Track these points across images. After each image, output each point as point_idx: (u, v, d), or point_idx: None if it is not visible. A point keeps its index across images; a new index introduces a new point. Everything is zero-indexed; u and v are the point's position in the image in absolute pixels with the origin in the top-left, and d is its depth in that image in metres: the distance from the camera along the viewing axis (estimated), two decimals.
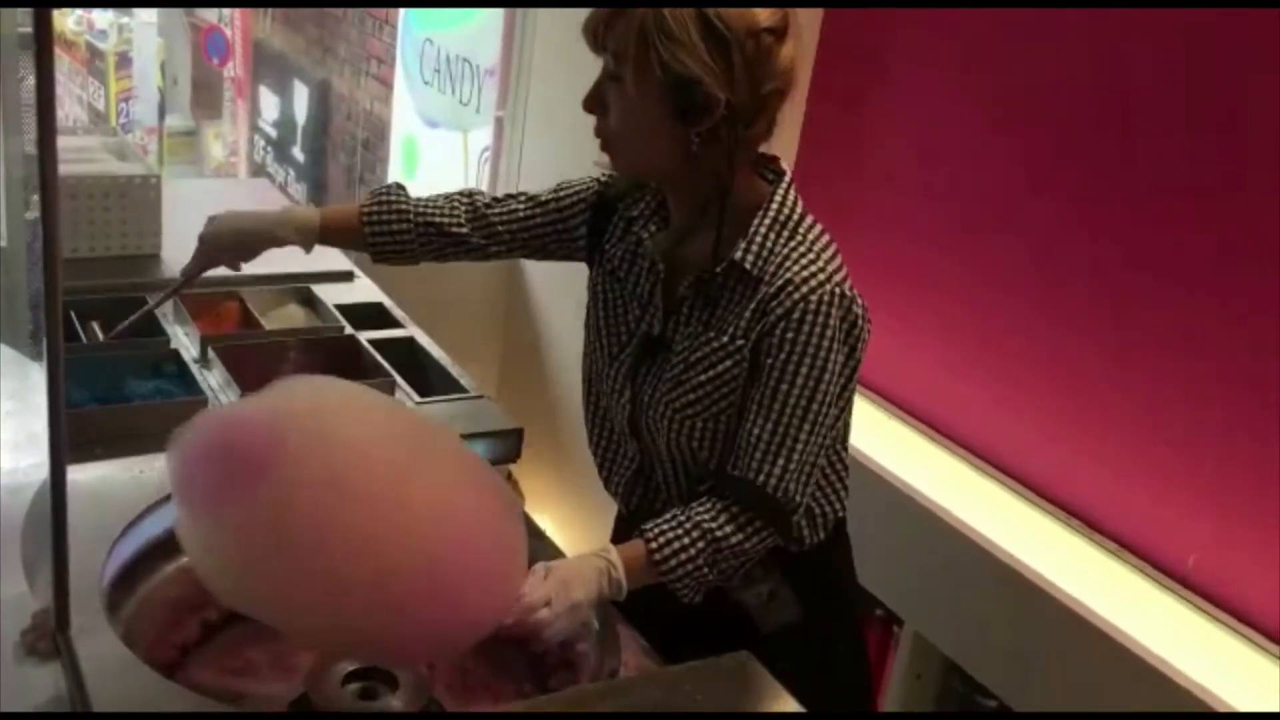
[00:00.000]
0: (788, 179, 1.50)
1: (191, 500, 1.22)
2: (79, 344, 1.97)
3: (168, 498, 1.60)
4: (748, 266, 1.45)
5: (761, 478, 1.44)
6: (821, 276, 1.43)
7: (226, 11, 5.37)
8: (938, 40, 2.38)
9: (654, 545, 1.44)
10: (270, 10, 5.29)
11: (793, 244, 1.46)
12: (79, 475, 1.57)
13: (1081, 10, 2.08)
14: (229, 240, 1.75)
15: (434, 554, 1.21)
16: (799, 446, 1.44)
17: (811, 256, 1.45)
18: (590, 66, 1.47)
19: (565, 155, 3.26)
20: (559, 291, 3.35)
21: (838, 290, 1.43)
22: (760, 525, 1.46)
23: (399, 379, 2.00)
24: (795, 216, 1.48)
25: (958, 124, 2.34)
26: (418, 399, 1.98)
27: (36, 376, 1.81)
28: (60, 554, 1.24)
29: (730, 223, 1.46)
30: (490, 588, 1.29)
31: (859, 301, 1.46)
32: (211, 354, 1.97)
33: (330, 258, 2.54)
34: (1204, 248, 1.94)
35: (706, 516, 1.46)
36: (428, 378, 2.09)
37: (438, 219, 1.69)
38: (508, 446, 1.93)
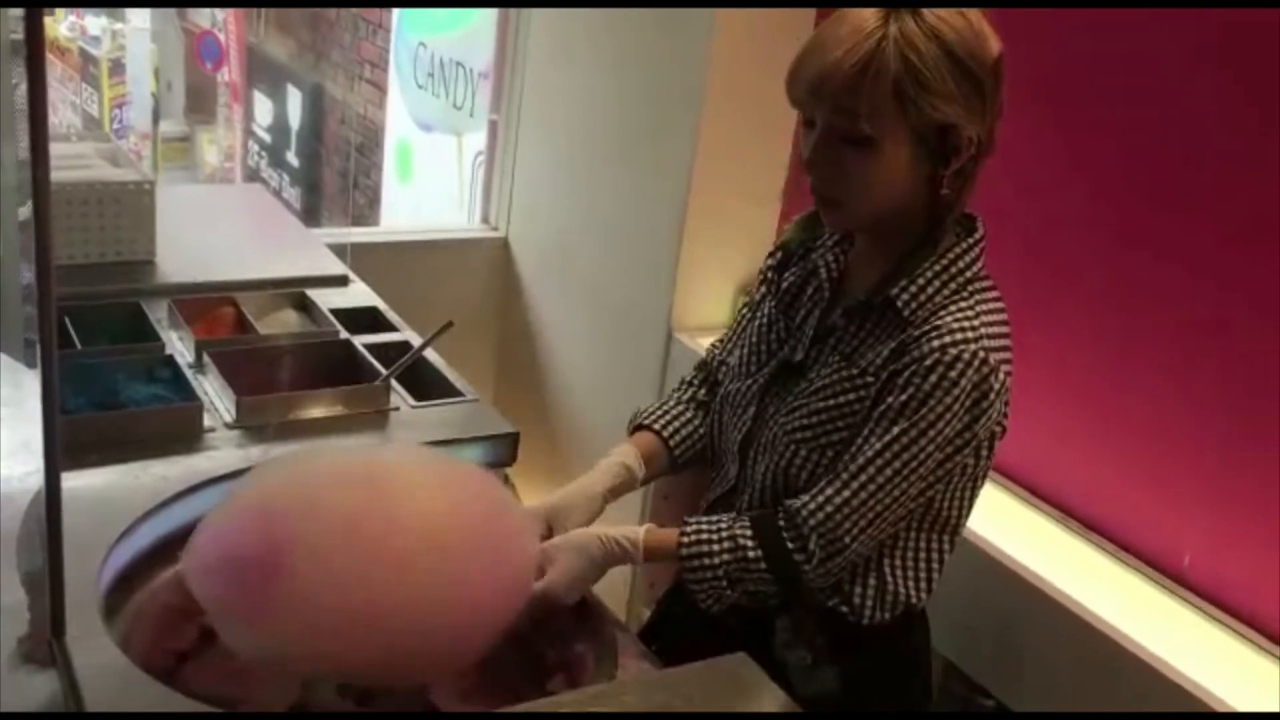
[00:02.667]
0: (976, 236, 1.45)
1: (220, 612, 1.30)
2: (74, 350, 1.96)
3: (164, 504, 1.61)
4: (899, 305, 1.41)
5: (820, 499, 1.41)
6: (970, 334, 1.37)
7: (220, 16, 5.37)
8: None
9: (685, 540, 1.46)
10: (263, 15, 5.30)
11: (956, 299, 1.41)
12: (75, 481, 1.57)
13: (1080, 10, 2.08)
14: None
15: (450, 575, 1.27)
16: (871, 486, 1.39)
17: (970, 315, 1.39)
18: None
19: (559, 159, 3.26)
20: (554, 296, 3.35)
21: (980, 354, 1.37)
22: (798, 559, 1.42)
23: (394, 383, 2.00)
24: (969, 274, 1.43)
25: None
26: (413, 403, 1.98)
27: (31, 383, 1.80)
28: (55, 559, 1.24)
29: (905, 263, 1.43)
30: (502, 582, 1.35)
31: (1000, 378, 1.39)
32: (207, 359, 1.97)
33: (325, 262, 2.55)
34: (1201, 248, 1.95)
35: (746, 533, 1.45)
36: (423, 382, 2.09)
37: (698, 405, 1.72)
38: (503, 450, 1.93)
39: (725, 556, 1.44)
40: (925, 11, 1.33)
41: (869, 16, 1.33)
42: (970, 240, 1.44)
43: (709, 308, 2.85)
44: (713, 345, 1.75)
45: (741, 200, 2.80)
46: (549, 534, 1.55)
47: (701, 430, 1.69)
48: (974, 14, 1.36)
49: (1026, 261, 2.20)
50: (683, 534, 1.47)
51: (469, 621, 1.30)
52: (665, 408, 1.72)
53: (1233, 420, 1.91)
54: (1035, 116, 2.18)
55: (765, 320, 1.59)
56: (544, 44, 3.27)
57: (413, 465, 1.42)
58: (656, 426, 1.69)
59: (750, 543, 1.44)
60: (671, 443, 1.69)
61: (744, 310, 1.67)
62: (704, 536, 1.46)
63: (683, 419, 1.70)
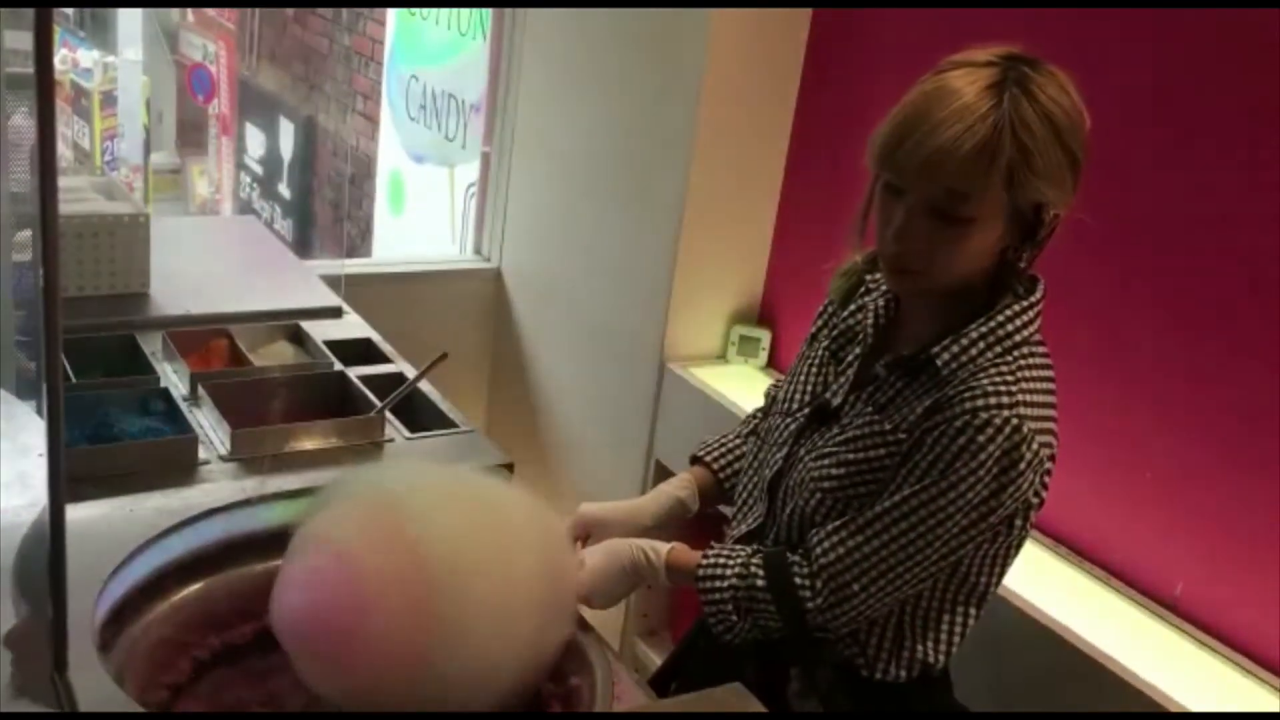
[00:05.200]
0: (1033, 299, 1.41)
1: (306, 660, 1.31)
2: (68, 383, 1.96)
3: (159, 537, 1.60)
4: (939, 364, 1.37)
5: (834, 539, 1.40)
6: (1005, 400, 1.33)
7: (211, 49, 5.39)
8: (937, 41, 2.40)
9: (703, 562, 1.49)
10: (256, 48, 5.32)
11: (999, 362, 1.36)
12: (70, 514, 1.55)
13: (1078, 10, 2.10)
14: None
15: (526, 633, 1.33)
16: (884, 537, 1.37)
17: (1010, 380, 1.35)
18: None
19: (552, 190, 3.28)
20: (547, 326, 3.36)
21: (1013, 420, 1.32)
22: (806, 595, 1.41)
23: (389, 414, 2.00)
24: (1018, 339, 1.38)
25: None
26: (408, 434, 1.98)
27: (25, 416, 1.81)
28: (59, 595, 1.23)
29: (958, 320, 1.39)
30: (562, 627, 1.43)
31: (1033, 448, 1.34)
32: (201, 391, 1.97)
33: (319, 293, 2.55)
34: (1198, 277, 1.97)
35: (759, 563, 1.45)
36: (417, 413, 2.09)
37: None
38: None
39: (734, 582, 1.45)
40: (1034, 87, 1.30)
41: (980, 92, 1.29)
42: (1026, 303, 1.40)
43: (702, 338, 2.87)
44: (777, 380, 1.74)
45: (734, 231, 2.82)
46: (585, 541, 1.60)
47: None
48: (1071, 86, 1.33)
49: None
50: (704, 556, 1.49)
51: (534, 665, 1.37)
52: (723, 440, 1.75)
53: (1222, 445, 1.92)
54: None
55: (816, 360, 1.57)
56: (536, 77, 3.30)
57: (482, 513, 1.41)
58: (708, 459, 1.73)
59: (760, 572, 1.44)
60: (722, 475, 1.71)
61: (803, 346, 1.64)
62: (720, 561, 1.48)
63: (737, 453, 1.72)
